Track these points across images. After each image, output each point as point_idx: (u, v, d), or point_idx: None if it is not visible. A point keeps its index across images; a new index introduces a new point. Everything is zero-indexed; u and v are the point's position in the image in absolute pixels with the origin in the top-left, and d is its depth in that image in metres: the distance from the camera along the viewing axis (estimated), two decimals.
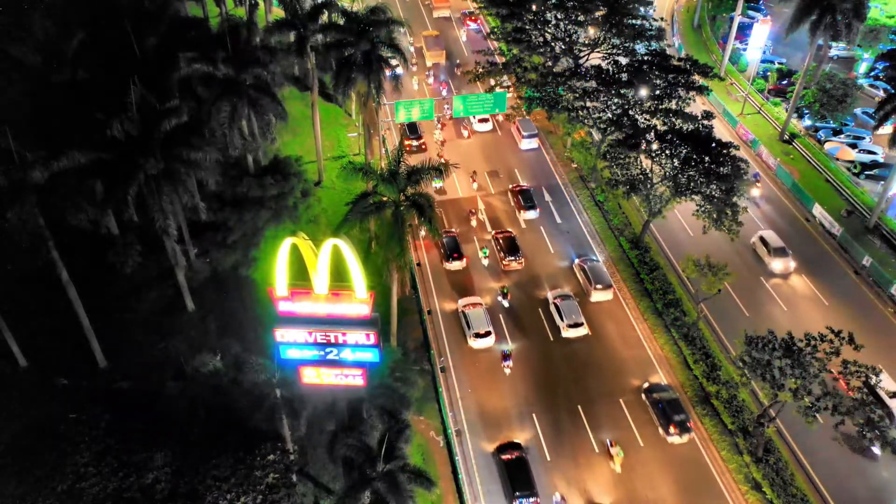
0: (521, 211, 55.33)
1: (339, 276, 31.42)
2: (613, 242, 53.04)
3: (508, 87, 63.05)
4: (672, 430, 39.14)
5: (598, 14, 62.01)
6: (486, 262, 50.69)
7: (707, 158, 46.51)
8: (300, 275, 31.51)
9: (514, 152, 63.65)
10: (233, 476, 32.64)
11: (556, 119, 63.54)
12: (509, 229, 53.51)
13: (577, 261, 50.72)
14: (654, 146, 48.79)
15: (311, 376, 33.79)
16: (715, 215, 46.91)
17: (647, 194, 49.19)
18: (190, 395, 37.98)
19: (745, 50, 78.06)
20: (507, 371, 43.26)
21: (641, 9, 64.68)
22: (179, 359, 40.94)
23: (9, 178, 35.09)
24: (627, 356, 44.58)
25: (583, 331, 45.23)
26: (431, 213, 40.06)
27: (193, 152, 40.69)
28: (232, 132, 46.58)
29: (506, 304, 47.98)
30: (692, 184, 46.89)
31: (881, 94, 69.92)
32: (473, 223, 54.53)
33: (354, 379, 33.68)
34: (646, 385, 42.36)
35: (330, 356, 32.81)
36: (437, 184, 57.40)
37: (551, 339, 45.53)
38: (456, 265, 50.07)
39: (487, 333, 44.49)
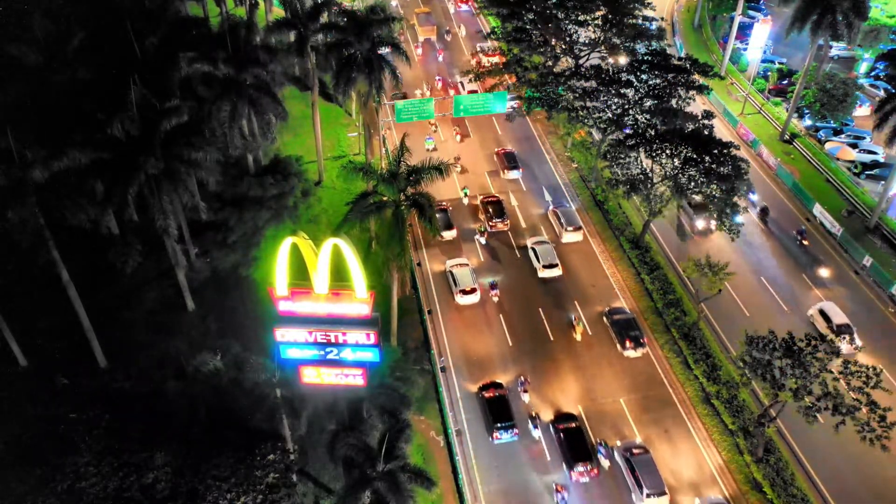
0: (505, 171, 60.12)
1: (339, 276, 31.39)
2: (585, 191, 58.18)
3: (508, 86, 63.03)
4: (628, 344, 43.62)
5: (598, 14, 61.96)
6: (482, 239, 53.26)
7: (707, 158, 46.49)
8: (300, 274, 31.49)
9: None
10: (233, 476, 32.62)
11: (556, 119, 63.53)
12: (496, 194, 57.19)
13: (551, 207, 55.84)
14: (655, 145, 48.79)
15: (312, 376, 33.76)
16: (715, 215, 46.86)
17: (648, 194, 49.16)
18: (190, 395, 37.95)
19: (745, 50, 78.02)
20: (495, 299, 48.12)
21: (641, 8, 64.64)
22: (180, 358, 40.93)
23: (9, 177, 35.07)
24: (594, 289, 49.83)
25: (557, 271, 49.78)
26: (432, 213, 40.07)
27: (194, 152, 40.70)
28: (232, 132, 46.57)
29: (482, 241, 53.15)
30: (693, 183, 46.86)
31: (881, 93, 69.88)
32: (458, 168, 60.19)
33: (355, 378, 33.65)
34: (606, 309, 47.03)
35: (330, 356, 32.78)
36: (429, 145, 62.21)
37: (530, 278, 50.38)
38: (448, 235, 53.15)
39: (472, 290, 47.74)
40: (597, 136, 59.23)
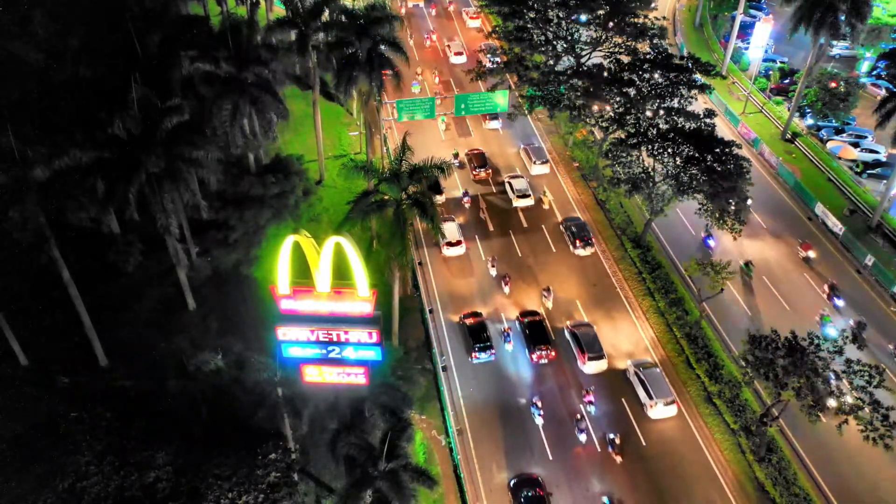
0: (486, 121, 66.53)
1: (341, 275, 31.32)
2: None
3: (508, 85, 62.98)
4: (578, 244, 51.71)
5: (600, 13, 61.89)
6: (466, 202, 57.62)
7: (709, 157, 46.40)
8: (302, 273, 31.41)
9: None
10: (234, 475, 32.55)
11: (557, 118, 63.48)
12: (479, 147, 62.94)
13: (522, 146, 63.02)
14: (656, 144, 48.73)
15: (313, 375, 33.67)
16: (717, 214, 46.78)
17: (649, 193, 49.08)
18: (191, 394, 37.85)
19: (746, 49, 77.94)
20: (467, 206, 56.04)
21: (643, 7, 64.62)
22: (181, 357, 40.86)
23: (10, 176, 35.02)
24: (559, 207, 57.34)
25: (529, 201, 56.53)
26: (433, 212, 40.01)
27: (195, 151, 40.67)
28: (233, 131, 46.52)
29: (456, 163, 60.24)
30: (694, 182, 46.78)
31: (883, 92, 69.75)
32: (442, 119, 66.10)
33: (356, 377, 33.57)
34: (561, 217, 55.52)
35: (332, 354, 32.69)
36: (415, 89, 68.15)
37: (506, 208, 57.15)
38: (438, 199, 56.07)
39: (458, 242, 51.85)
40: (598, 134, 59.12)
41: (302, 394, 35.12)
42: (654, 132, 49.83)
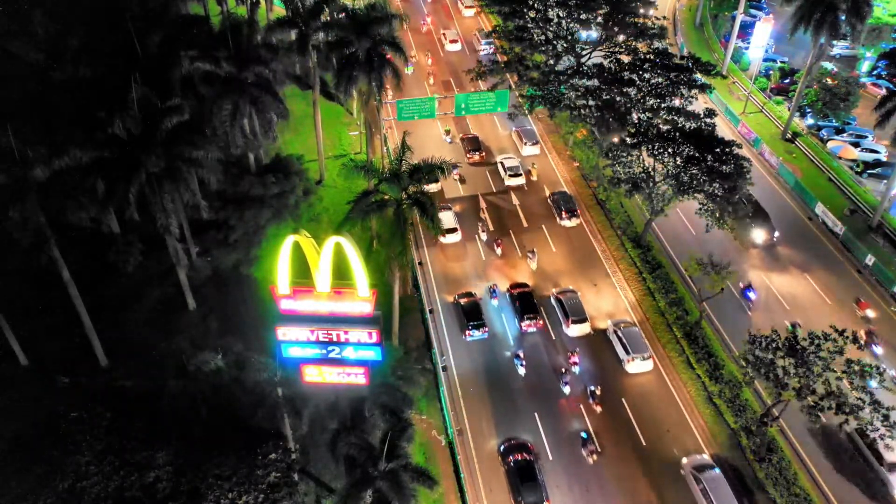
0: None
1: (341, 275, 31.30)
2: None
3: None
4: (563, 215, 54.17)
5: (600, 13, 61.84)
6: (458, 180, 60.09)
7: (709, 157, 46.36)
8: (302, 273, 31.39)
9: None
10: (234, 475, 32.55)
11: (557, 118, 63.43)
12: (473, 132, 65.58)
13: (514, 129, 64.94)
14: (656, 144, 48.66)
15: (313, 375, 33.65)
16: (717, 213, 46.75)
17: (650, 193, 49.05)
18: (191, 394, 37.85)
19: (747, 48, 77.88)
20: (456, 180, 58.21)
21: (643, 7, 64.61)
22: (181, 357, 40.84)
23: (10, 175, 34.99)
24: (547, 184, 60.25)
25: (521, 180, 59.36)
26: (433, 212, 39.98)
27: (195, 150, 40.63)
28: (233, 130, 46.49)
29: (448, 139, 63.58)
30: (694, 182, 46.74)
31: (883, 92, 69.70)
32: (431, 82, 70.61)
33: (356, 377, 33.55)
34: (549, 192, 58.29)
35: (332, 354, 32.67)
36: (408, 70, 69.45)
37: (497, 189, 59.44)
38: (433, 187, 57.12)
39: (454, 230, 53.17)
40: (598, 134, 59.05)
41: (302, 394, 35.10)
42: (655, 132, 49.79)
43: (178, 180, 40.28)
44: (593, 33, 62.98)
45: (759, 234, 52.06)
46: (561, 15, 61.65)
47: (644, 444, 39.68)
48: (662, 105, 51.93)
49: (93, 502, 32.44)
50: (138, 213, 39.62)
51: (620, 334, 44.26)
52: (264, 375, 35.66)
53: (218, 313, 45.96)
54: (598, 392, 41.58)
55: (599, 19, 61.57)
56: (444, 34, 79.81)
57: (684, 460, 38.34)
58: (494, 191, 58.82)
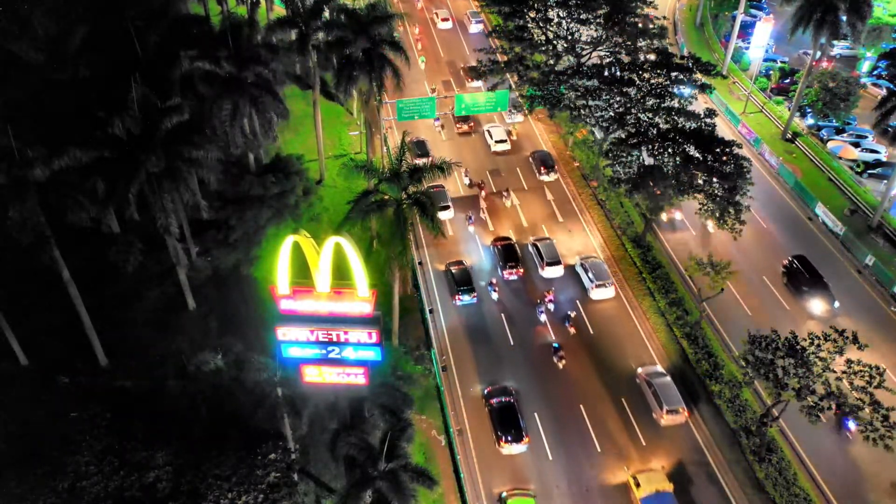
0: (469, 80, 72.31)
1: (341, 275, 31.28)
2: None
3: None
4: (542, 170, 59.80)
5: (600, 12, 61.83)
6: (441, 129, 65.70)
7: (710, 157, 46.34)
8: (302, 273, 31.37)
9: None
10: (234, 475, 32.52)
11: (557, 118, 63.45)
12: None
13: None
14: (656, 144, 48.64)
15: (313, 375, 33.62)
16: (718, 214, 46.72)
17: (650, 193, 48.99)
18: (191, 394, 37.87)
19: (747, 48, 77.88)
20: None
21: (643, 7, 64.52)
22: (181, 357, 40.86)
23: (10, 175, 34.97)
24: (529, 148, 64.88)
25: (506, 146, 63.68)
26: (434, 212, 39.97)
27: (195, 150, 40.58)
28: (233, 130, 46.44)
29: (434, 94, 66.76)
30: (695, 182, 46.71)
31: (884, 92, 69.67)
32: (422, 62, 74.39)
33: (356, 378, 33.51)
34: (531, 151, 63.15)
35: (332, 355, 32.63)
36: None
37: (485, 154, 63.87)
38: (424, 161, 57.91)
39: (446, 207, 55.12)
40: (598, 134, 59.12)
41: (302, 394, 35.08)
42: (655, 132, 49.77)
43: (178, 180, 40.25)
44: (594, 33, 62.93)
45: (816, 305, 47.77)
46: (561, 15, 61.69)
47: (605, 358, 44.93)
48: (662, 105, 51.93)
49: (92, 502, 32.43)
50: (138, 212, 39.60)
51: (586, 265, 49.84)
52: (264, 375, 35.63)
53: (218, 313, 45.95)
54: (572, 315, 47.09)
55: (600, 19, 61.53)
56: (436, 13, 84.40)
57: (639, 370, 43.57)
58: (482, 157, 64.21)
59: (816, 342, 35.84)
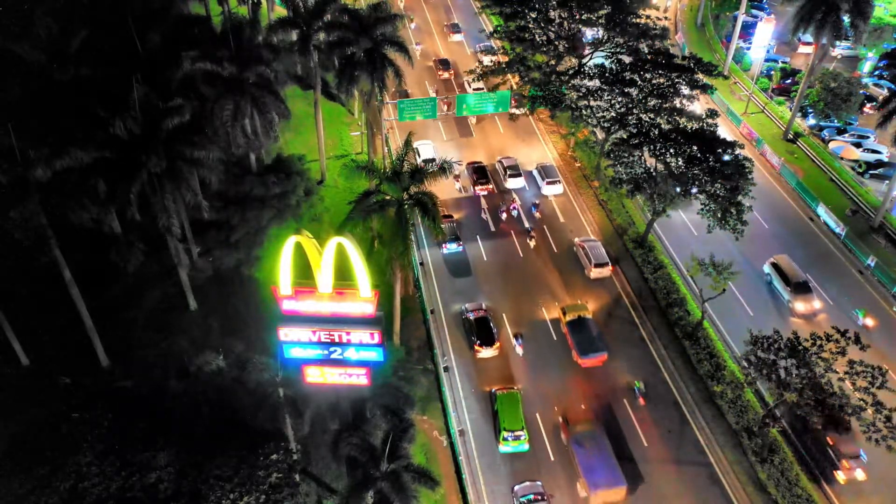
0: (451, 35, 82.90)
1: (342, 275, 31.26)
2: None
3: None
4: (512, 103, 61.67)
5: (601, 13, 61.78)
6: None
7: (711, 157, 46.28)
8: (304, 273, 31.36)
9: None
10: (236, 475, 32.54)
11: (559, 118, 63.40)
12: (445, 56, 78.04)
13: (478, 46, 79.08)
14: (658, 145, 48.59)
15: (315, 375, 33.65)
16: (719, 214, 46.67)
17: (652, 193, 48.98)
18: (193, 395, 37.90)
19: (748, 49, 77.84)
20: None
21: (645, 7, 64.54)
22: (182, 358, 40.84)
23: (11, 176, 34.94)
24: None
25: (481, 84, 68.17)
26: (435, 212, 39.95)
27: (196, 150, 40.56)
28: (235, 130, 46.39)
29: (413, 25, 79.18)
30: (696, 182, 46.65)
31: (885, 92, 69.63)
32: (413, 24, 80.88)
33: (358, 378, 33.53)
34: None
35: (334, 355, 32.66)
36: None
37: (472, 128, 68.53)
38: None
39: (432, 160, 56.41)
40: (600, 135, 59.08)
41: (304, 394, 35.11)
42: (656, 132, 49.71)
43: (180, 180, 40.25)
44: (594, 33, 62.93)
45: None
46: (563, 15, 61.63)
47: (552, 238, 54.66)
48: (664, 105, 51.87)
49: (94, 503, 32.42)
50: (140, 213, 39.59)
51: (539, 168, 60.04)
52: (266, 376, 35.67)
53: (219, 313, 45.92)
54: (538, 202, 57.65)
55: (601, 20, 61.48)
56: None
57: (576, 239, 53.66)
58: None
59: (818, 343, 35.78)
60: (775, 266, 49.47)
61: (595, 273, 50.35)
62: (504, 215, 56.35)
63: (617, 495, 36.56)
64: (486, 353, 44.76)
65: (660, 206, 49.15)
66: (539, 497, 36.28)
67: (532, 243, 53.47)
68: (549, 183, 58.82)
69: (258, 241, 50.03)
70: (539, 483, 37.34)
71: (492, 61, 71.10)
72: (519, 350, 45.09)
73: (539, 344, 46.12)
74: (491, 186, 58.94)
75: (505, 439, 39.04)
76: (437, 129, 66.44)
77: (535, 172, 60.43)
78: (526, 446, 39.41)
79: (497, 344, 44.87)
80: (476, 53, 78.60)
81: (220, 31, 50.52)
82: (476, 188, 58.62)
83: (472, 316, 46.15)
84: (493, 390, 42.16)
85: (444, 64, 75.73)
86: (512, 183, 59.30)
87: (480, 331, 45.11)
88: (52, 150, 35.95)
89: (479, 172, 59.70)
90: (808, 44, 68.69)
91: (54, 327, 43.57)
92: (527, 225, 55.42)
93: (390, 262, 41.30)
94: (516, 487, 37.02)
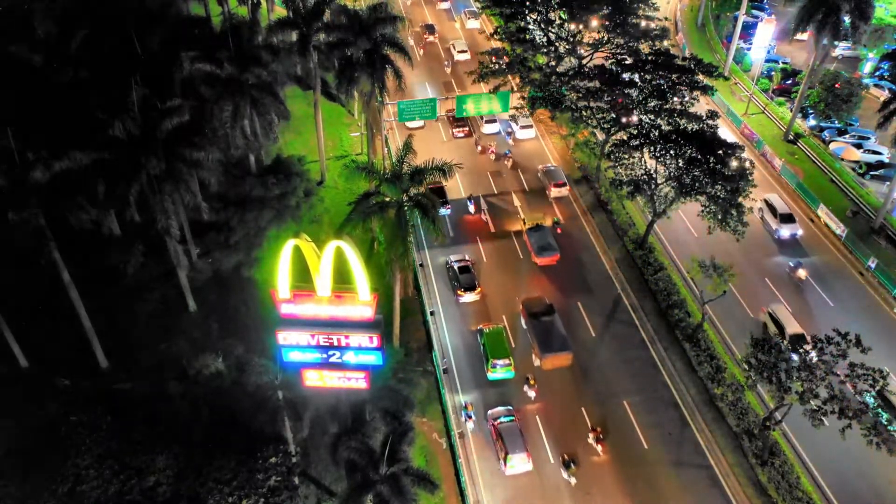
0: (439, 3, 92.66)
1: (342, 278, 31.15)
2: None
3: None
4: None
5: (601, 13, 61.71)
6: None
7: (712, 158, 46.17)
8: (303, 276, 31.23)
9: None
10: (235, 478, 32.41)
11: (559, 119, 63.30)
12: (431, 21, 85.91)
13: (463, 10, 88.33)
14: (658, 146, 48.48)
15: (314, 379, 33.50)
16: (720, 216, 46.57)
17: (652, 195, 48.88)
18: (192, 397, 37.77)
19: (749, 49, 77.72)
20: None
21: (645, 8, 64.37)
22: (181, 360, 40.72)
23: (10, 178, 34.86)
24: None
25: (467, 55, 76.99)
26: (435, 214, 39.85)
27: (196, 152, 40.49)
28: (234, 132, 46.35)
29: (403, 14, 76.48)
30: (697, 184, 46.56)
31: (886, 93, 69.48)
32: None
33: (357, 382, 33.37)
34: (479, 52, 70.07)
35: (332, 359, 32.49)
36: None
37: (446, 62, 77.12)
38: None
39: (420, 127, 64.53)
40: (600, 136, 58.98)
41: (303, 397, 34.95)
42: (657, 133, 49.59)
43: (179, 182, 40.15)
44: (595, 34, 62.81)
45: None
46: (563, 17, 61.53)
47: (523, 172, 61.39)
48: (665, 106, 51.75)
49: None
50: (139, 214, 39.51)
51: (514, 118, 65.21)
52: (265, 378, 35.48)
53: (219, 315, 45.84)
54: (511, 142, 65.33)
55: (602, 20, 61.41)
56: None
57: (539, 166, 61.45)
58: (446, 63, 77.95)
59: (819, 345, 35.67)
60: (766, 202, 55.10)
61: (555, 192, 58.81)
62: (480, 147, 63.65)
63: (565, 360, 43.56)
64: (468, 297, 48.90)
65: (660, 207, 49.04)
66: (509, 413, 41.02)
67: (509, 164, 62.46)
68: (521, 127, 65.70)
69: (258, 242, 49.93)
70: (510, 406, 41.74)
71: (476, 21, 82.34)
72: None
73: (504, 258, 52.95)
74: (467, 129, 65.33)
75: (493, 366, 42.86)
76: (437, 130, 66.05)
77: (508, 119, 66.52)
78: (512, 372, 43.26)
79: (479, 289, 49.25)
80: (462, 15, 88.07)
81: (220, 31, 50.48)
82: (454, 129, 65.10)
83: (456, 265, 50.41)
84: (479, 327, 45.96)
85: (430, 29, 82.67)
86: (488, 128, 66.15)
87: (463, 276, 49.48)
88: (50, 151, 35.86)
89: (459, 121, 65.57)
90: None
91: (53, 329, 43.47)
92: (506, 152, 63.47)
93: (390, 264, 41.21)
94: (489, 412, 41.26)
